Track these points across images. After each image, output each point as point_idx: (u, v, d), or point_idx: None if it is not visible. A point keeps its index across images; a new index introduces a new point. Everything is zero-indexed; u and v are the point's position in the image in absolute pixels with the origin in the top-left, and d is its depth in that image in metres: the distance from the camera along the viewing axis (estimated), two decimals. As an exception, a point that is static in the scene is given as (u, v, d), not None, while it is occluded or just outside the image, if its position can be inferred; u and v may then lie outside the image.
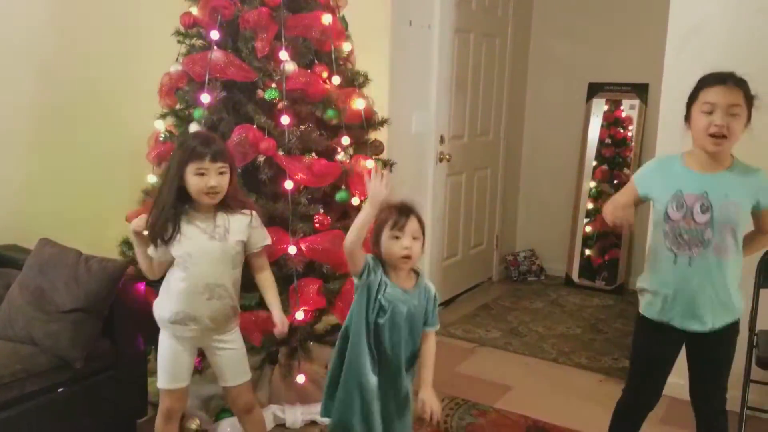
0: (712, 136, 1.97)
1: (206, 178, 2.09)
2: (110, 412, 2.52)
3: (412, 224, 1.93)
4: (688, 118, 2.07)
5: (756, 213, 2.09)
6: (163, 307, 2.21)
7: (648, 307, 2.20)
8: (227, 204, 2.18)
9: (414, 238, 1.94)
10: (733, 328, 2.14)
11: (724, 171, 2.05)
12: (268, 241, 2.30)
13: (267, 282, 2.31)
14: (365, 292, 1.95)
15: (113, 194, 3.05)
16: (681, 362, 2.23)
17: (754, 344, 2.70)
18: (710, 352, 2.16)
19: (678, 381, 2.22)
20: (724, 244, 2.04)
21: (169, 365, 2.24)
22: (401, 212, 1.95)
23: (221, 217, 2.18)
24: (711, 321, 2.09)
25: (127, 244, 2.83)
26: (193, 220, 2.15)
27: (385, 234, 1.94)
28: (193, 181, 2.09)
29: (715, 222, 2.02)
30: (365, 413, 1.97)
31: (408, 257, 1.93)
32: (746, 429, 2.65)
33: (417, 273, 2.04)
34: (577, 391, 3.28)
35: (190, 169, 2.09)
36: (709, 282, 2.06)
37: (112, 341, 2.52)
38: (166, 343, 2.24)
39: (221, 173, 2.12)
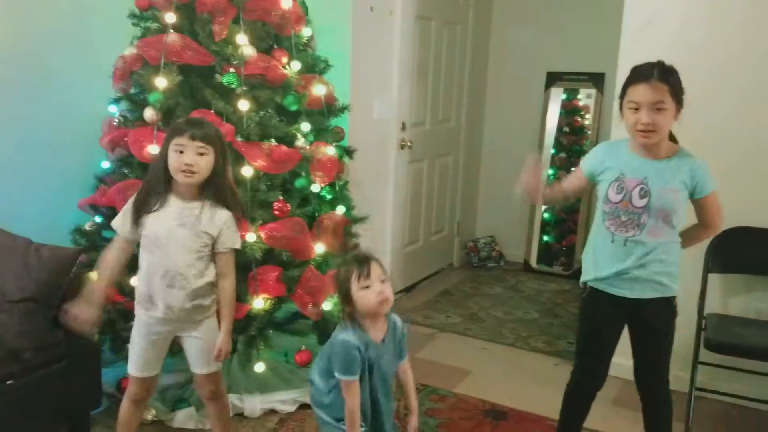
0: (640, 132, 2.04)
1: (183, 156, 2.05)
2: (63, 404, 2.46)
3: (375, 269, 1.92)
4: (621, 110, 2.14)
5: (695, 202, 2.14)
6: (139, 300, 2.19)
7: (585, 275, 2.28)
8: (213, 194, 2.14)
9: (381, 281, 1.92)
10: (667, 303, 2.19)
11: (666, 159, 2.11)
12: (237, 245, 2.23)
13: (224, 293, 2.20)
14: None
15: (65, 180, 2.97)
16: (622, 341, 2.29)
17: (703, 327, 2.78)
18: (647, 326, 2.21)
19: (629, 363, 2.27)
20: (659, 228, 2.10)
21: (140, 352, 2.20)
22: (361, 262, 1.93)
23: (198, 206, 2.13)
24: (640, 291, 2.15)
25: (79, 231, 2.77)
26: (171, 202, 2.12)
27: (354, 288, 1.92)
28: (172, 158, 2.06)
29: (652, 207, 2.08)
30: None
31: (385, 300, 1.92)
32: (694, 409, 2.73)
33: (385, 316, 2.02)
34: (534, 375, 3.33)
35: (171, 146, 2.07)
36: (641, 262, 2.12)
37: (64, 332, 2.46)
38: (137, 330, 2.20)
39: (200, 154, 2.07)
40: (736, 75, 2.94)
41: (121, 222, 2.15)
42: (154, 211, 2.10)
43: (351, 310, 1.94)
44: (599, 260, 2.22)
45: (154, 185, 2.11)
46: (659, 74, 2.02)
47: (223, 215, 2.16)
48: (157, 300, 2.14)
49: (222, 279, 2.20)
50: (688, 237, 2.23)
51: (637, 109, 2.03)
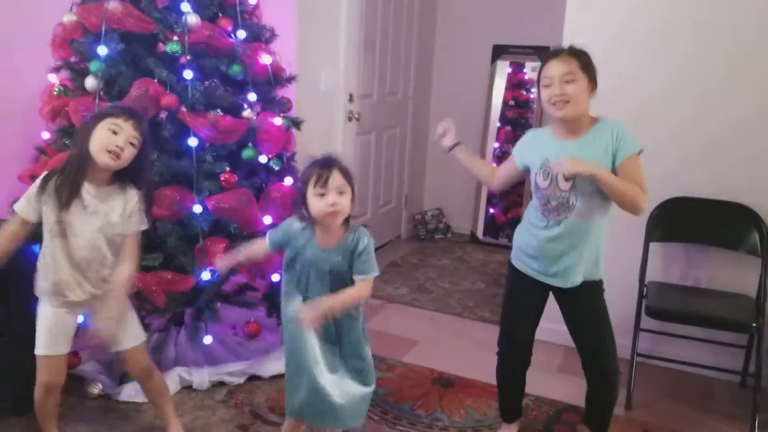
0: (554, 104, 2.09)
1: (116, 137, 1.99)
2: (6, 378, 2.42)
3: (334, 179, 1.89)
4: (540, 95, 2.19)
5: (617, 168, 2.07)
6: (41, 277, 2.12)
7: (515, 259, 2.34)
8: (124, 179, 2.10)
9: (340, 193, 1.90)
10: (595, 285, 2.23)
11: (584, 136, 2.14)
12: (143, 226, 2.16)
13: (122, 277, 2.10)
14: (290, 254, 2.03)
15: (4, 151, 2.87)
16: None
17: (644, 295, 2.88)
18: (579, 308, 2.25)
19: (564, 328, 2.32)
20: (588, 208, 2.12)
21: (47, 330, 2.12)
22: (323, 167, 1.91)
23: (111, 192, 2.09)
24: (571, 280, 2.20)
25: (19, 204, 2.68)
26: (84, 190, 2.04)
27: (310, 192, 1.91)
28: (101, 135, 1.99)
29: (578, 188, 2.11)
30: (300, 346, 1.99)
31: (334, 213, 1.91)
32: (636, 374, 2.83)
33: (348, 225, 2.01)
34: (480, 344, 3.40)
35: (103, 124, 1.99)
36: (574, 245, 2.16)
37: (5, 306, 2.40)
38: (43, 308, 2.14)
39: (131, 143, 2.02)
40: (674, 45, 3.02)
41: (25, 205, 2.05)
42: (65, 202, 2.01)
43: (306, 212, 1.95)
44: (527, 250, 2.27)
45: (72, 172, 2.02)
46: (569, 51, 2.12)
47: (134, 197, 2.12)
48: (67, 289, 2.08)
49: (123, 263, 2.11)
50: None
51: (549, 85, 2.09)
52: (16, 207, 2.08)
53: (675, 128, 3.04)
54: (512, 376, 2.44)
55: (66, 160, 2.08)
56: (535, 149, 2.24)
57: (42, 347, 2.13)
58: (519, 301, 2.35)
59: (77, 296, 2.10)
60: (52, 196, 2.02)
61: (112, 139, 1.99)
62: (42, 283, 2.11)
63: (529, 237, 2.26)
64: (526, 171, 2.30)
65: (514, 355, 2.38)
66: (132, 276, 2.14)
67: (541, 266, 2.23)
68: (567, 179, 2.10)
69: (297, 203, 2.03)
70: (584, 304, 2.24)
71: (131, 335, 2.22)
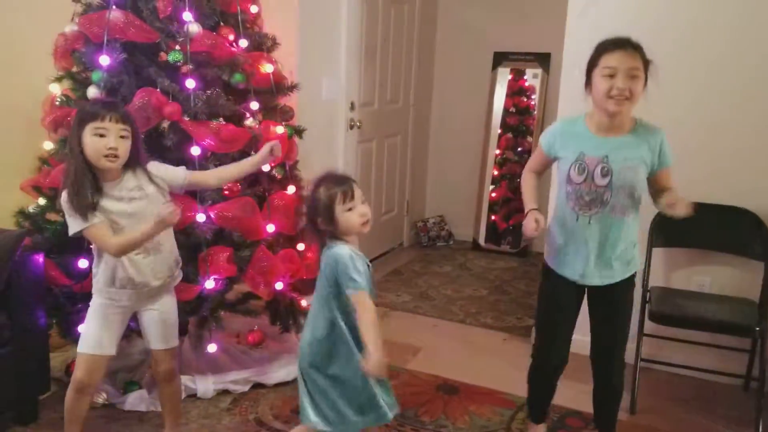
0: (614, 98, 2.02)
1: (105, 140, 1.98)
2: (9, 388, 2.41)
3: (357, 191, 1.94)
4: (588, 83, 2.12)
5: (652, 174, 2.15)
6: (99, 273, 2.12)
7: (549, 260, 2.31)
8: (132, 166, 2.10)
9: (363, 202, 1.95)
10: (628, 281, 2.25)
11: (624, 135, 2.13)
12: (182, 169, 2.22)
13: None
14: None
15: (7, 161, 2.88)
16: (582, 318, 2.33)
17: (647, 300, 2.88)
18: (607, 303, 2.26)
19: (578, 337, 2.32)
20: (623, 205, 2.13)
21: (98, 329, 2.13)
22: (342, 183, 1.94)
23: (130, 179, 2.08)
24: (609, 277, 2.20)
25: (22, 214, 2.69)
26: (106, 189, 2.04)
27: (338, 209, 1.92)
28: (91, 142, 1.97)
29: (614, 185, 2.10)
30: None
31: (367, 222, 1.95)
32: (640, 379, 2.83)
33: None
34: (483, 350, 3.40)
35: (88, 130, 1.97)
36: (607, 240, 2.16)
37: (9, 316, 2.40)
38: (98, 306, 2.14)
39: (122, 137, 2.02)
40: (684, 54, 3.02)
41: (76, 224, 2.01)
42: (96, 203, 2.00)
43: (333, 228, 1.94)
44: (562, 252, 2.24)
45: (80, 184, 1.98)
46: (633, 45, 2.05)
47: (153, 167, 2.15)
48: (140, 277, 2.10)
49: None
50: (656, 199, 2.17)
51: (612, 76, 2.01)
52: (72, 231, 2.02)
53: (678, 134, 3.01)
54: (550, 381, 2.43)
55: (67, 176, 2.02)
56: (569, 141, 2.18)
57: (88, 345, 2.13)
58: (557, 303, 2.31)
59: (136, 284, 2.11)
60: (79, 209, 1.99)
61: (102, 143, 1.98)
62: (103, 281, 2.11)
63: (560, 236, 2.24)
64: (554, 160, 2.25)
65: (555, 360, 2.35)
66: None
67: (576, 265, 2.21)
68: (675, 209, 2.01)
69: (316, 226, 1.97)
70: (613, 301, 2.24)
71: (169, 336, 2.25)
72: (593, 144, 2.13)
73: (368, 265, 1.95)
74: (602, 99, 2.05)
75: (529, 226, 2.17)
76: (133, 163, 2.09)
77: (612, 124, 2.11)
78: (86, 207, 1.98)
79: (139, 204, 2.08)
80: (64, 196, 2.01)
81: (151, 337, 2.24)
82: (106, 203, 2.02)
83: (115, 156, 2.00)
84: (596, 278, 2.21)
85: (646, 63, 2.06)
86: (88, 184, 1.99)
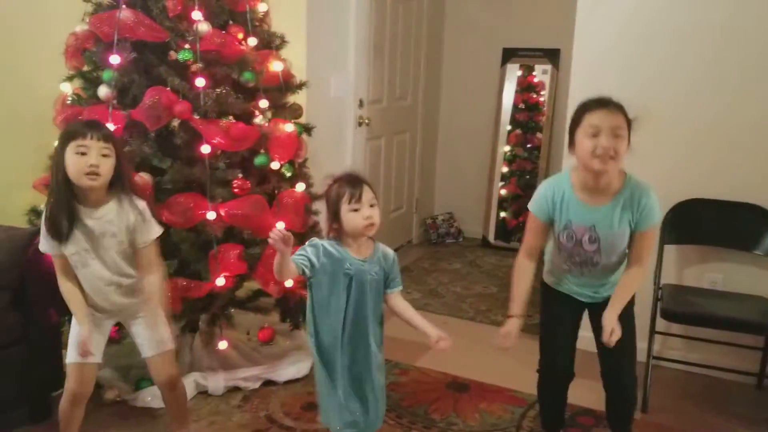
0: (599, 156, 1.99)
1: (86, 157, 1.97)
2: (23, 385, 2.44)
3: (367, 193, 1.96)
4: (572, 143, 2.10)
5: (632, 234, 2.12)
6: None
7: (547, 277, 2.35)
8: (117, 191, 2.08)
9: (371, 206, 1.97)
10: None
11: (610, 203, 2.09)
12: (156, 234, 2.16)
13: (153, 288, 2.11)
14: (326, 275, 1.98)
15: (18, 160, 2.90)
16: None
17: (659, 297, 2.87)
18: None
19: (588, 334, 2.31)
20: (612, 262, 2.17)
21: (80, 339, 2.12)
22: (354, 184, 1.97)
23: (110, 209, 2.07)
24: (603, 297, 2.22)
25: (35, 212, 2.71)
26: (83, 215, 2.03)
27: (344, 209, 1.95)
28: (73, 161, 1.97)
29: (603, 250, 2.13)
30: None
31: (371, 225, 1.96)
32: (652, 377, 2.82)
33: (373, 240, 2.06)
34: (493, 348, 3.38)
35: (71, 149, 1.97)
36: (599, 285, 2.23)
37: (21, 313, 2.42)
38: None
39: (104, 155, 2.00)
40: (690, 48, 3.01)
41: (47, 245, 2.06)
42: (69, 233, 2.01)
43: (337, 227, 1.99)
44: (557, 276, 2.30)
45: (58, 208, 2.00)
46: (615, 105, 2.03)
47: (138, 207, 2.11)
48: (95, 308, 2.12)
49: (147, 273, 2.12)
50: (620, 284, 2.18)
51: (595, 135, 1.99)
52: (42, 249, 2.07)
53: (690, 130, 3.02)
54: (557, 392, 2.43)
55: (50, 193, 2.05)
56: (555, 207, 2.16)
57: (73, 355, 2.12)
58: (557, 316, 2.33)
59: (107, 309, 2.13)
60: (51, 232, 2.01)
61: (83, 161, 1.97)
62: None
63: (555, 271, 2.29)
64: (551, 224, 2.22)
65: (559, 371, 2.35)
66: (162, 285, 2.15)
67: (571, 292, 2.27)
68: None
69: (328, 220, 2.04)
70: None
71: (156, 342, 2.21)
72: (580, 213, 2.12)
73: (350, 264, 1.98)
74: (587, 158, 2.01)
75: (502, 336, 2.22)
76: (118, 188, 2.08)
77: (598, 185, 2.08)
78: (59, 235, 2.00)
79: (108, 242, 2.07)
80: (44, 213, 2.03)
81: (143, 346, 2.21)
82: (80, 227, 2.03)
83: (96, 174, 1.99)
84: (588, 298, 2.26)
85: (629, 122, 2.03)
86: (64, 209, 2.00)
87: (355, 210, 1.95)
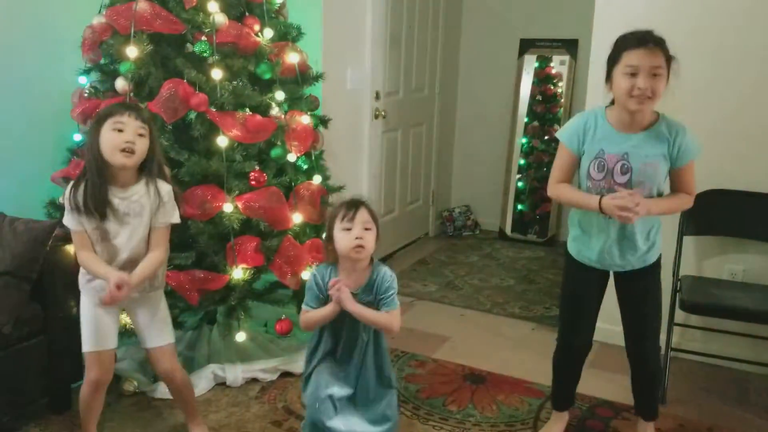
0: (635, 97, 1.98)
1: (123, 134, 1.99)
2: (43, 376, 2.46)
3: (361, 215, 1.95)
4: (609, 79, 2.08)
5: (674, 171, 2.12)
6: (84, 274, 2.15)
7: (572, 248, 2.30)
8: (147, 173, 2.10)
9: (365, 229, 1.94)
10: (650, 268, 2.22)
11: (645, 131, 2.08)
12: (175, 220, 2.17)
13: (150, 259, 2.12)
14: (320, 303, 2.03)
15: (37, 153, 2.92)
16: (611, 306, 2.31)
17: (678, 289, 2.84)
18: (632, 289, 2.24)
19: (606, 326, 2.30)
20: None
21: (93, 327, 2.14)
22: (350, 205, 1.97)
23: (138, 190, 2.08)
24: (630, 264, 2.19)
25: (53, 204, 2.73)
26: (111, 194, 2.05)
27: (337, 227, 1.95)
28: (109, 137, 1.99)
29: (634, 182, 2.07)
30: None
31: (360, 247, 1.93)
32: (671, 369, 2.80)
33: (371, 264, 2.04)
34: (511, 340, 3.38)
35: (107, 126, 1.99)
36: (627, 233, 2.14)
37: (41, 306, 2.44)
38: (87, 305, 2.16)
39: (140, 135, 2.02)
40: (713, 36, 2.96)
41: (72, 221, 2.06)
42: (98, 211, 2.02)
43: (332, 248, 1.99)
44: (584, 238, 2.23)
45: (94, 181, 2.01)
46: (655, 41, 1.99)
47: (164, 188, 2.12)
48: (104, 285, 2.09)
49: (155, 249, 2.13)
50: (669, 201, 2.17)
51: (633, 74, 1.97)
52: (67, 223, 2.08)
53: (712, 121, 2.97)
54: (574, 366, 2.42)
55: (83, 171, 2.07)
56: (587, 136, 2.14)
57: (90, 344, 2.14)
58: (580, 288, 2.31)
59: (132, 293, 2.11)
60: (83, 208, 2.02)
61: (120, 137, 1.99)
62: (85, 280, 2.14)
63: (581, 224, 2.24)
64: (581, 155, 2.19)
65: (579, 343, 2.35)
66: (158, 265, 2.15)
67: (597, 257, 2.21)
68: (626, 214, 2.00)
69: (324, 241, 2.06)
70: (639, 286, 2.23)
71: (158, 334, 2.22)
72: (613, 141, 2.09)
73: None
74: (623, 97, 2.01)
75: (629, 194, 2.03)
76: (148, 171, 2.09)
77: (633, 121, 2.08)
78: (88, 211, 2.02)
79: (132, 221, 2.08)
80: (68, 189, 2.04)
81: (144, 336, 2.23)
82: (111, 199, 2.05)
83: (131, 152, 2.00)
84: (617, 265, 2.20)
85: (669, 59, 2.00)
86: (96, 187, 2.01)
87: (347, 229, 1.93)
